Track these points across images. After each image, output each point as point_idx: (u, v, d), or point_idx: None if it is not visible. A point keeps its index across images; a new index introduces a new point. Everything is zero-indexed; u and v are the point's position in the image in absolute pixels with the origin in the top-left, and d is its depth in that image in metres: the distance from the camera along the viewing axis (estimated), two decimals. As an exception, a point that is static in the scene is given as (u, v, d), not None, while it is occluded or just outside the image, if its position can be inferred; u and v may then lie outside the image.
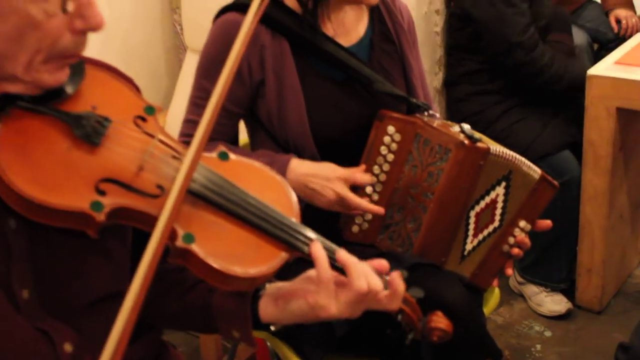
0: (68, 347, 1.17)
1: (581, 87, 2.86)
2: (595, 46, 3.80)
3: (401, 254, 1.87)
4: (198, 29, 1.90)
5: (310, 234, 1.23)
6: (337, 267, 1.24)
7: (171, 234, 1.10)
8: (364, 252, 1.85)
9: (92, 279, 1.22)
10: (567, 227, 2.92)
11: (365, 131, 1.86)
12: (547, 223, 1.96)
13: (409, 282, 1.77)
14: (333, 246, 1.26)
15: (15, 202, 1.06)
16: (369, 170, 1.85)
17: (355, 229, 1.88)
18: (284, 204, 1.26)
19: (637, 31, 3.71)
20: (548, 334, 2.92)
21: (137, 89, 1.28)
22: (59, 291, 1.18)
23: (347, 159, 1.85)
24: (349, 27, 1.94)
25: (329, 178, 1.80)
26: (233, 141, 1.99)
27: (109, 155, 1.13)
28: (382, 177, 1.85)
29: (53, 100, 1.13)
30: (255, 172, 1.30)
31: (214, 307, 1.32)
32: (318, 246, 1.22)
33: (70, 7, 1.04)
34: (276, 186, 1.29)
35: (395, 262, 1.82)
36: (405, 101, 1.91)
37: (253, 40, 1.83)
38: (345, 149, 1.87)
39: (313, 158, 1.87)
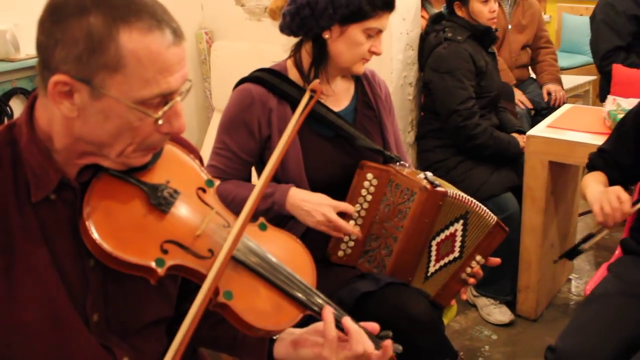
0: None
1: (507, 153, 2.89)
2: (533, 112, 3.79)
3: (377, 274, 1.84)
4: (223, 94, 1.89)
5: (321, 300, 1.23)
6: (341, 327, 1.23)
7: (215, 290, 1.11)
8: (348, 272, 1.86)
9: (148, 308, 1.22)
10: (510, 253, 2.88)
11: (349, 177, 1.84)
12: (496, 260, 1.93)
13: (382, 299, 1.75)
14: (340, 311, 1.25)
15: (96, 251, 1.06)
16: (353, 206, 1.83)
17: (340, 253, 1.86)
18: (306, 272, 1.26)
19: (563, 102, 3.71)
20: (494, 337, 2.87)
21: (200, 159, 1.28)
22: (121, 316, 1.17)
23: (335, 198, 1.82)
24: (339, 96, 1.94)
25: (320, 203, 1.79)
26: (246, 181, 1.97)
27: (174, 221, 1.13)
28: (362, 212, 1.84)
29: (136, 170, 1.13)
30: (287, 242, 1.30)
31: (238, 340, 1.30)
32: (328, 311, 1.21)
33: (162, 118, 1.05)
34: (301, 256, 1.29)
35: (373, 281, 1.81)
36: (381, 154, 1.89)
37: (263, 104, 1.84)
38: (333, 190, 1.84)
39: None
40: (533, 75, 4.12)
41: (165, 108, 1.05)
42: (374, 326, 1.28)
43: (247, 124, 1.85)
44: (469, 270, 1.88)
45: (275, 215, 1.81)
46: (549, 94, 3.90)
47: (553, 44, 4.15)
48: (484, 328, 2.93)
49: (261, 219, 1.27)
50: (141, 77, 1.01)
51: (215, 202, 1.21)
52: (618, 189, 1.74)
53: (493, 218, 1.85)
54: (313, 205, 1.78)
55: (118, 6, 0.99)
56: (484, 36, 2.99)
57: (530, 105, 3.81)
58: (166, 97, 1.05)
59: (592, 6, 3.92)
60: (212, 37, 3.54)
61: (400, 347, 1.30)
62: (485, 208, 1.85)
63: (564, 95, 3.93)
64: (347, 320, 1.23)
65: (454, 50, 2.90)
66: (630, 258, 1.98)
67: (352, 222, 1.83)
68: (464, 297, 1.93)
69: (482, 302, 3.01)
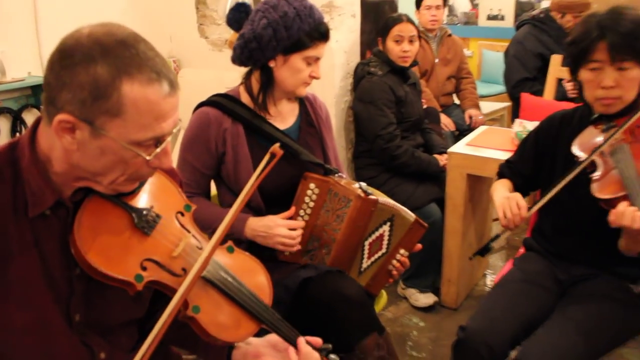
0: (102, 355, 1.17)
1: (427, 170, 2.92)
2: (456, 133, 3.84)
3: (317, 265, 1.84)
4: (189, 116, 1.89)
5: (276, 316, 1.24)
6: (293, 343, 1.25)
7: (185, 304, 1.11)
8: (293, 265, 1.86)
9: (124, 311, 1.21)
10: (434, 253, 2.92)
11: (295, 187, 1.85)
12: (418, 246, 1.95)
13: (320, 283, 1.75)
14: (293, 332, 1.26)
15: (82, 263, 1.06)
16: (297, 212, 1.84)
17: (287, 253, 1.86)
18: (264, 291, 1.27)
19: (481, 124, 3.77)
20: (422, 324, 2.89)
21: (180, 184, 1.28)
22: (100, 317, 1.16)
23: (282, 205, 1.84)
24: (285, 116, 1.94)
25: (270, 227, 1.80)
26: (207, 193, 1.97)
27: (154, 242, 1.13)
28: (306, 217, 1.84)
29: (124, 194, 1.12)
30: (250, 264, 1.31)
31: (201, 342, 1.29)
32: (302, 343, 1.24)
33: (153, 156, 1.05)
34: (261, 277, 1.29)
35: (313, 269, 1.81)
36: (322, 167, 1.90)
37: (219, 124, 1.84)
38: (281, 198, 1.85)
39: (259, 205, 1.85)
40: (457, 102, 4.17)
41: (157, 150, 1.05)
42: (317, 340, 1.29)
43: (205, 143, 1.84)
44: (394, 262, 1.90)
45: None
46: (470, 117, 3.96)
47: (473, 75, 4.22)
48: (413, 316, 2.95)
49: (229, 243, 1.28)
50: (138, 122, 1.00)
51: (192, 225, 1.21)
52: (518, 197, 1.78)
53: (412, 217, 1.87)
54: (267, 229, 1.80)
55: (123, 58, 0.98)
56: (403, 71, 3.02)
57: (454, 128, 3.86)
58: (158, 139, 1.04)
59: (507, 44, 4.00)
60: (179, 65, 3.51)
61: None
62: (407, 210, 1.87)
63: (482, 118, 4.00)
64: (300, 339, 1.24)
65: (376, 82, 2.92)
66: (532, 254, 2.03)
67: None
68: (391, 281, 1.95)
69: (410, 292, 3.05)
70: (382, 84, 2.91)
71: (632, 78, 1.67)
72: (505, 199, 1.79)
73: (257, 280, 1.27)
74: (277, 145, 1.21)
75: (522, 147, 2.03)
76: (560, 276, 1.89)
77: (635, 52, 1.65)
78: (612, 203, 1.56)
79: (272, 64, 1.81)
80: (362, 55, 3.20)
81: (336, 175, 1.88)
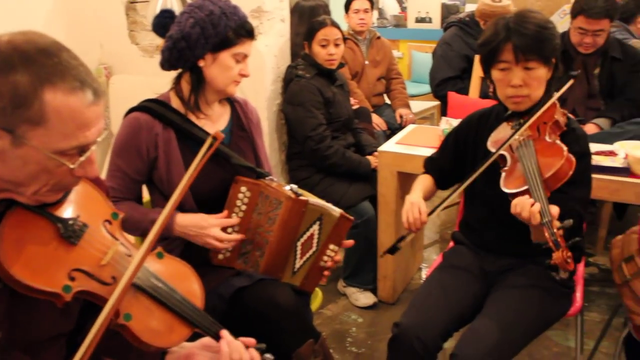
0: None
1: (358, 171, 2.95)
2: (388, 132, 3.92)
3: (251, 272, 1.86)
4: (120, 123, 1.87)
5: (208, 320, 1.25)
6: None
7: (116, 312, 1.09)
8: (226, 271, 1.86)
9: (51, 325, 1.17)
10: (370, 250, 2.97)
11: (227, 190, 1.85)
12: (349, 242, 1.97)
13: (254, 292, 1.77)
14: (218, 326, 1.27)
15: (7, 278, 1.02)
16: (229, 216, 1.84)
17: (220, 257, 1.85)
18: (195, 296, 1.27)
19: (411, 123, 3.85)
20: (360, 320, 2.93)
21: (107, 192, 1.25)
22: (25, 333, 1.12)
23: (215, 209, 1.83)
24: (215, 120, 1.94)
25: (203, 226, 1.79)
26: (138, 198, 1.94)
27: (82, 252, 1.10)
28: (238, 220, 1.84)
29: (48, 205, 1.09)
30: (180, 269, 1.30)
31: (134, 350, 1.28)
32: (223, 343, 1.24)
33: (77, 165, 1.02)
34: (192, 281, 1.29)
35: (247, 277, 1.83)
36: (253, 170, 1.90)
37: (149, 130, 1.82)
38: (214, 201, 1.85)
39: (192, 209, 1.84)
40: (388, 102, 4.25)
41: (82, 158, 1.03)
42: (251, 341, 1.30)
43: (136, 148, 1.83)
44: (325, 258, 1.92)
45: None
46: (400, 116, 4.05)
47: (402, 76, 4.32)
48: (352, 313, 2.99)
49: (159, 249, 1.27)
50: (61, 131, 0.98)
51: (120, 233, 1.20)
52: (420, 203, 1.86)
53: (338, 212, 1.89)
54: (198, 228, 1.79)
55: (45, 67, 0.96)
56: (330, 73, 3.05)
57: (385, 127, 3.93)
58: (83, 148, 1.03)
59: (434, 45, 4.10)
60: (110, 72, 3.45)
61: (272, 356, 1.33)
62: (333, 207, 1.89)
63: (413, 117, 4.10)
64: (224, 332, 1.26)
65: (304, 85, 2.94)
66: (460, 247, 2.09)
67: (230, 229, 1.83)
68: (324, 281, 1.97)
69: (350, 291, 3.08)
70: (310, 86, 2.93)
71: (538, 77, 1.77)
72: (410, 204, 1.87)
73: (188, 284, 1.27)
74: (219, 130, 1.21)
75: (444, 144, 2.11)
76: (488, 267, 1.96)
77: (539, 53, 1.74)
78: (516, 196, 1.62)
79: (201, 64, 1.81)
80: (295, 57, 3.23)
81: (267, 178, 1.89)
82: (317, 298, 2.13)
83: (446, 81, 3.82)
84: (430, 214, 1.86)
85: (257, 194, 1.83)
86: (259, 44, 2.94)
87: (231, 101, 2.01)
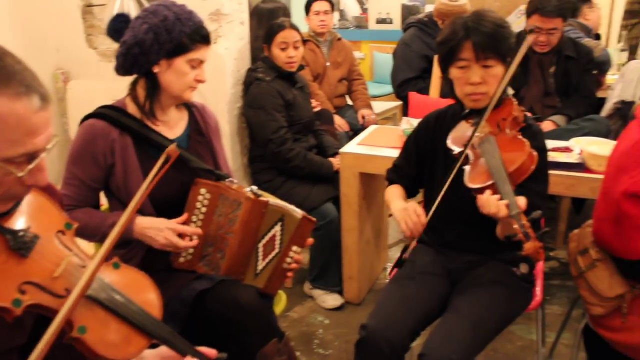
0: None
1: (320, 173, 2.95)
2: (351, 133, 3.93)
3: (213, 275, 1.84)
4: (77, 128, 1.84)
5: (168, 330, 1.21)
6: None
7: (70, 325, 1.06)
8: (188, 276, 1.85)
9: (2, 339, 1.13)
10: (335, 251, 2.98)
11: (187, 195, 1.83)
12: (310, 241, 1.95)
13: (216, 294, 1.76)
14: (186, 344, 1.24)
15: None
16: (189, 218, 1.82)
17: (182, 260, 1.84)
18: (153, 306, 1.23)
19: (374, 124, 3.88)
20: (327, 322, 2.94)
21: (61, 202, 1.22)
22: None
23: (175, 213, 1.81)
24: (173, 125, 1.92)
25: (161, 229, 1.77)
26: (96, 206, 1.91)
27: (33, 264, 1.06)
28: (199, 223, 1.83)
29: None
30: (137, 279, 1.26)
31: None
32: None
33: (26, 173, 0.99)
34: (149, 291, 1.26)
35: (209, 280, 1.81)
36: (213, 174, 1.89)
37: (106, 136, 1.80)
38: (174, 206, 1.83)
39: (151, 214, 1.82)
40: (350, 103, 4.27)
41: (31, 166, 1.00)
42: (212, 352, 1.28)
43: (93, 155, 1.80)
44: (288, 260, 1.92)
45: None
46: (363, 117, 4.08)
47: (364, 77, 4.34)
48: (318, 315, 2.99)
49: (115, 259, 1.24)
50: (8, 138, 0.95)
51: (74, 244, 1.16)
52: (415, 206, 1.83)
53: (300, 214, 1.89)
54: (156, 231, 1.77)
55: None
56: (291, 75, 3.05)
57: (348, 128, 3.95)
58: (32, 155, 1.00)
59: (395, 46, 4.14)
60: (68, 77, 3.39)
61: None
62: (295, 208, 1.89)
63: (375, 118, 4.13)
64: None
65: (264, 88, 2.93)
66: (423, 246, 2.10)
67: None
68: (288, 282, 1.97)
69: (317, 293, 3.09)
70: (271, 90, 2.93)
71: (496, 75, 1.80)
72: (404, 210, 1.83)
73: (145, 295, 1.24)
74: (174, 146, 1.20)
75: (405, 149, 2.11)
76: (450, 265, 1.98)
77: (497, 51, 1.77)
78: (482, 192, 1.63)
79: (156, 70, 1.79)
80: (256, 60, 3.22)
81: (227, 180, 1.88)
82: (281, 301, 2.13)
83: (407, 82, 3.86)
84: (427, 213, 1.83)
85: (218, 196, 1.82)
86: (218, 48, 2.93)
87: (189, 106, 1.99)
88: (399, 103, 4.91)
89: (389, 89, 5.64)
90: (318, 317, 2.97)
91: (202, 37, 1.81)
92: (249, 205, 1.79)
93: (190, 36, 1.77)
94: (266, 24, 3.22)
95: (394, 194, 2.04)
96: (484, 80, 1.79)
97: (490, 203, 1.57)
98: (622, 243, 1.69)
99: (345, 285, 3.06)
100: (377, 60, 6.14)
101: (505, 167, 1.64)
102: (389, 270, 3.39)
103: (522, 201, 1.55)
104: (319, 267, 3.03)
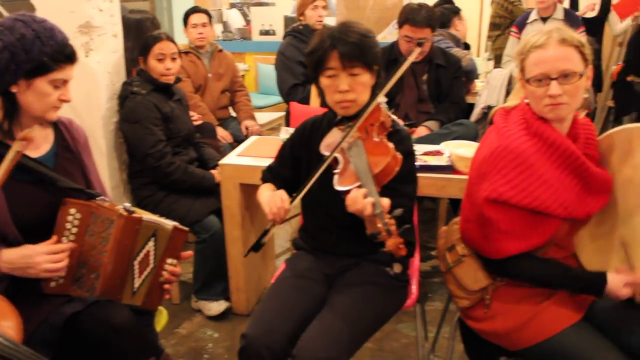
0: None
1: (202, 185, 2.96)
2: (235, 144, 3.93)
3: (87, 297, 1.79)
4: None
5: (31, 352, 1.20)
6: None
7: None
8: (58, 299, 1.77)
9: None
10: (220, 263, 2.98)
11: (55, 216, 1.77)
12: (187, 254, 1.95)
13: (88, 316, 1.72)
14: None
15: None
16: (59, 240, 1.76)
17: (53, 284, 1.78)
18: (15, 329, 1.23)
19: (257, 134, 3.91)
20: (216, 335, 2.93)
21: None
22: None
23: (43, 236, 1.75)
24: (37, 144, 1.85)
25: (29, 255, 1.68)
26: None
27: None
28: (70, 244, 1.78)
29: None
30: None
31: None
32: None
33: None
34: (6, 316, 1.23)
35: (80, 302, 1.76)
36: (83, 192, 1.84)
37: None
38: (42, 228, 1.76)
39: (17, 239, 1.74)
40: (234, 114, 4.29)
41: None
42: None
43: None
44: (165, 274, 1.91)
45: None
46: (246, 128, 4.10)
47: (246, 88, 4.37)
48: (207, 329, 2.97)
49: None
50: None
51: None
52: (281, 192, 1.89)
53: (171, 225, 1.88)
54: (25, 260, 1.68)
55: None
56: (168, 88, 3.03)
57: (231, 140, 3.96)
58: None
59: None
60: None
61: None
62: (167, 220, 1.88)
63: (259, 129, 4.16)
64: None
65: (140, 102, 2.89)
66: (301, 252, 2.16)
67: (61, 255, 1.74)
68: (167, 296, 1.95)
69: (202, 304, 3.07)
70: (147, 103, 2.89)
71: (363, 82, 1.89)
72: (270, 196, 1.89)
73: (5, 320, 1.22)
74: (27, 131, 1.15)
75: (280, 154, 2.17)
76: (328, 270, 2.04)
77: (363, 59, 1.86)
78: (349, 193, 1.71)
79: (14, 89, 1.71)
80: (128, 73, 3.16)
81: (98, 198, 1.84)
82: (162, 317, 2.10)
83: (294, 89, 3.91)
84: (292, 201, 1.88)
85: (88, 215, 1.78)
86: (90, 61, 2.85)
87: (54, 122, 1.92)
88: (283, 113, 4.98)
89: (273, 99, 5.73)
90: (207, 331, 2.96)
91: (65, 57, 1.74)
92: (121, 222, 1.76)
93: (52, 56, 1.70)
94: (134, 35, 3.17)
95: (264, 189, 2.09)
96: (352, 87, 1.88)
97: (356, 200, 1.64)
98: (487, 244, 1.82)
99: (232, 296, 3.06)
100: (261, 72, 6.19)
101: (370, 169, 1.72)
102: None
103: (385, 201, 1.63)
104: (203, 279, 3.02)
